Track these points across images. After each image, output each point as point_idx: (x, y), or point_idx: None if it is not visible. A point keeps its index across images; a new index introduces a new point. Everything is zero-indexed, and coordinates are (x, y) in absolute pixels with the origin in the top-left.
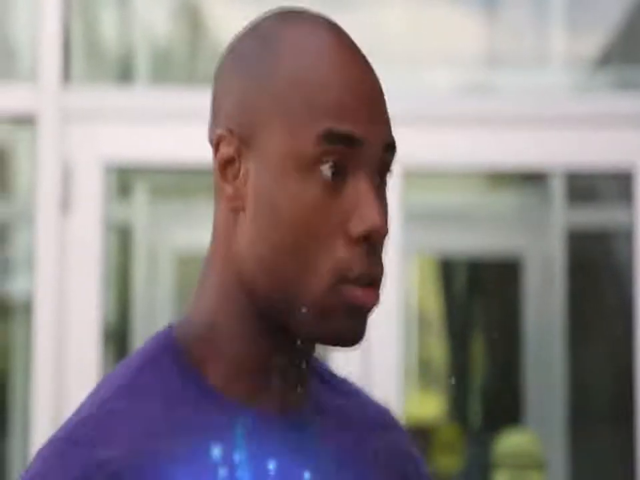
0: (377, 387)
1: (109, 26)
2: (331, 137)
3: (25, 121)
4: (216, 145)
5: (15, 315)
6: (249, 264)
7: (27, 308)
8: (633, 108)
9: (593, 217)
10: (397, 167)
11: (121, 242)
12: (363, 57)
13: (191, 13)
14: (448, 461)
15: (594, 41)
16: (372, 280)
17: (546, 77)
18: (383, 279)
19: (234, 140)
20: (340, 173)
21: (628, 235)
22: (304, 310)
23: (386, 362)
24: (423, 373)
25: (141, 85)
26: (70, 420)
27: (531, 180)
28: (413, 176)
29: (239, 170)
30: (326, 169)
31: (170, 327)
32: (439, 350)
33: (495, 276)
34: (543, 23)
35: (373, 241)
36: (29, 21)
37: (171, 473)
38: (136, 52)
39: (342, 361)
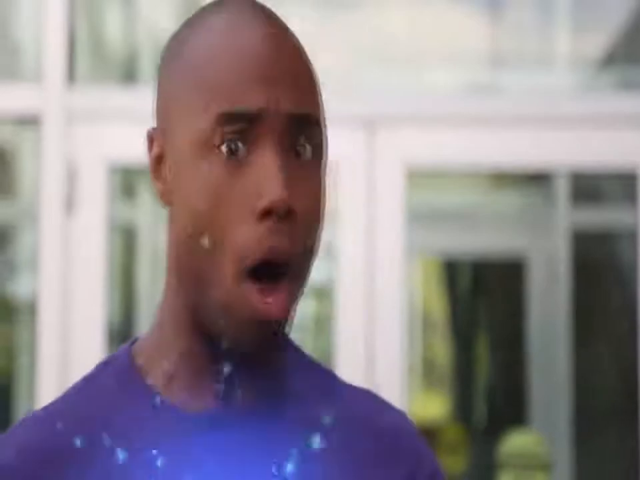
0: (381, 387)
1: (113, 26)
2: (227, 118)
3: (30, 121)
4: (148, 146)
5: (20, 316)
6: (177, 260)
7: (31, 308)
8: (636, 108)
9: (596, 217)
10: (400, 167)
11: (125, 242)
12: (278, 31)
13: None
14: (452, 461)
15: (598, 41)
16: (276, 259)
17: (550, 77)
18: (300, 259)
19: (160, 137)
20: (242, 152)
21: (632, 235)
22: (212, 307)
23: (390, 362)
24: (427, 373)
25: (145, 85)
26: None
27: (535, 180)
28: (417, 176)
29: (166, 166)
30: (225, 149)
31: (136, 338)
32: (443, 350)
33: (498, 276)
34: (547, 24)
35: (275, 216)
36: (34, 21)
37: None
38: (140, 52)
39: (345, 361)
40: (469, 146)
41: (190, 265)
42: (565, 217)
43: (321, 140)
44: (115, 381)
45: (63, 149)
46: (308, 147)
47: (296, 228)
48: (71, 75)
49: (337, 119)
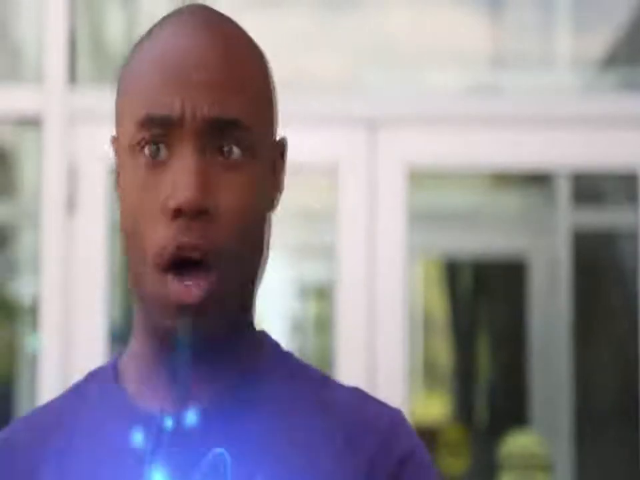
0: (382, 388)
1: (114, 26)
2: (147, 122)
3: (31, 122)
4: (114, 155)
5: (21, 316)
6: (126, 263)
7: (32, 308)
8: (638, 109)
9: (597, 217)
10: (401, 167)
11: None
12: (209, 39)
13: None
14: (453, 461)
15: (600, 41)
16: (187, 255)
17: (551, 78)
18: (223, 254)
19: (115, 145)
20: (164, 154)
21: (632, 236)
22: (147, 302)
23: (391, 363)
24: (428, 373)
25: None
26: None
27: (536, 181)
28: (418, 177)
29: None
30: (147, 152)
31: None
32: (444, 351)
33: (500, 277)
34: (548, 24)
35: (185, 215)
36: (35, 22)
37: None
38: None
39: (346, 362)
40: (470, 146)
41: (130, 266)
42: (566, 218)
43: (254, 142)
44: (98, 386)
45: (64, 150)
46: (236, 149)
47: (213, 226)
48: (72, 75)
49: (338, 120)
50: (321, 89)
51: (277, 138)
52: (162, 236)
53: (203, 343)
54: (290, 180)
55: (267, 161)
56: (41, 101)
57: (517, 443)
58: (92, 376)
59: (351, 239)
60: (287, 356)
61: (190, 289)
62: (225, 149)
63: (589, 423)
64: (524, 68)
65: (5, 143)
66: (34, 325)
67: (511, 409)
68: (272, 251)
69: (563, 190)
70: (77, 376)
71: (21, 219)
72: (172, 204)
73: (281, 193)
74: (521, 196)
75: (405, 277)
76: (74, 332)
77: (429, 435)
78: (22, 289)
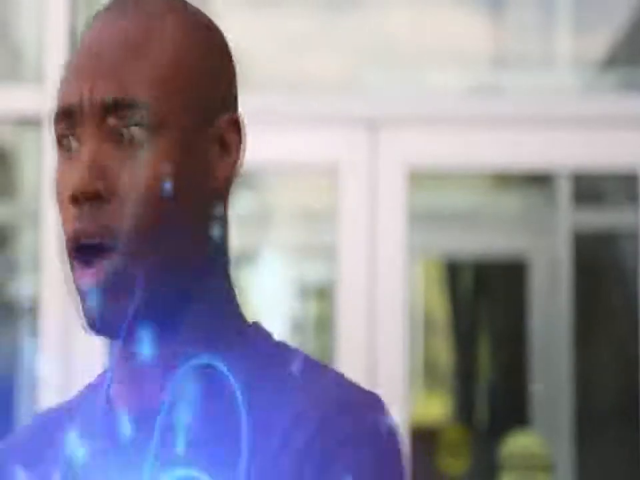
0: (382, 388)
1: None
2: (57, 117)
3: (31, 122)
4: None
5: (21, 317)
6: None
7: (33, 310)
8: (638, 109)
9: (598, 218)
10: (402, 168)
11: None
12: (114, 25)
13: None
14: (453, 462)
15: (600, 41)
16: (84, 241)
17: (552, 78)
18: (121, 236)
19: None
20: (74, 146)
21: (633, 236)
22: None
23: (391, 363)
24: (429, 374)
25: None
26: None
27: (537, 181)
28: (418, 177)
29: None
30: (61, 145)
31: None
32: (444, 351)
33: (500, 277)
34: (549, 24)
35: (79, 202)
36: (35, 22)
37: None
38: None
39: (346, 362)
40: (470, 147)
41: None
42: (567, 218)
43: (159, 120)
44: (93, 395)
45: None
46: (129, 130)
47: (109, 209)
48: None
49: (338, 119)
50: (320, 89)
51: (224, 113)
52: (66, 224)
53: (125, 326)
54: (290, 180)
55: (185, 138)
56: (40, 101)
57: (518, 444)
58: (90, 384)
59: (351, 239)
60: (275, 344)
61: (88, 273)
62: (122, 130)
63: (590, 423)
64: (524, 68)
65: (5, 142)
66: (34, 325)
67: (511, 409)
68: (272, 251)
69: (564, 190)
70: (78, 375)
71: (21, 219)
72: (67, 193)
73: (235, 166)
74: (521, 196)
75: (405, 277)
76: (74, 332)
77: (429, 435)
78: (22, 289)
